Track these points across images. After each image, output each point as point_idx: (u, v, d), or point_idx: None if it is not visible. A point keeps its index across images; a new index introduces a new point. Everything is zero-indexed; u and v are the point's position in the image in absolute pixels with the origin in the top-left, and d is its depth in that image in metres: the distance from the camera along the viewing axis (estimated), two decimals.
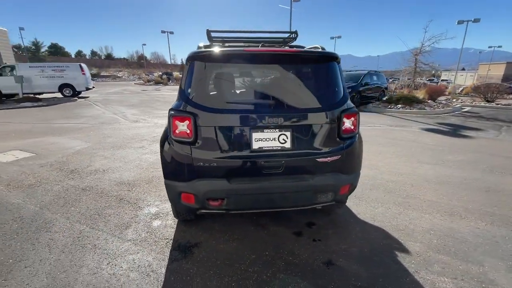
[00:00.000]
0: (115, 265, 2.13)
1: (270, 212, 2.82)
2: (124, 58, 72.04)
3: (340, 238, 2.46)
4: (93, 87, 17.59)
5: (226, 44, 2.82)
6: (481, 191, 3.43)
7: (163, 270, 2.07)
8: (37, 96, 14.55)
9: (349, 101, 2.20)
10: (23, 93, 13.86)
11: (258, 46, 2.78)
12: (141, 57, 63.13)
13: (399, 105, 10.88)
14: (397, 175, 4.00)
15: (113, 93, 19.24)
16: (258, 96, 2.10)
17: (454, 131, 7.18)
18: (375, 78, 13.77)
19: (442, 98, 14.29)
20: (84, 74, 15.64)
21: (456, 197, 3.28)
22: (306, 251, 2.28)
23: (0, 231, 2.58)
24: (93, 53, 70.28)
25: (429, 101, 11.66)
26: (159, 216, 2.85)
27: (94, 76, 41.09)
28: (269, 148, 2.00)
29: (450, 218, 2.80)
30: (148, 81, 34.91)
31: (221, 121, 1.95)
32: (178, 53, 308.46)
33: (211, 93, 2.04)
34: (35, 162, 4.59)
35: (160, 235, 2.52)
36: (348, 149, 2.17)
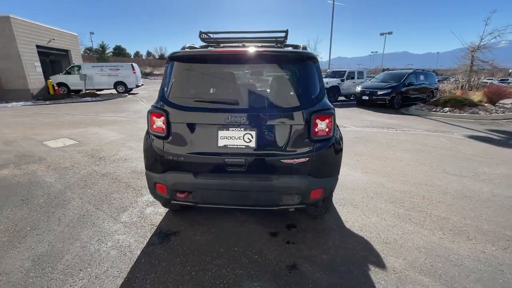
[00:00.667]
0: (102, 242, 2.42)
1: (252, 210, 2.85)
2: None
3: (315, 244, 2.37)
4: (142, 85, 19.43)
5: (221, 45, 2.92)
6: (509, 211, 2.93)
7: (138, 252, 2.28)
8: (96, 92, 16.71)
9: (324, 102, 2.11)
10: (86, 89, 16.06)
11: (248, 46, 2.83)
12: None
13: (447, 108, 9.66)
14: (410, 184, 3.63)
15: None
16: (226, 95, 2.15)
17: (507, 140, 6.13)
18: (422, 77, 12.45)
19: (507, 101, 12.23)
20: (135, 72, 17.38)
21: (472, 214, 2.86)
22: (274, 252, 2.27)
23: (30, 204, 3.12)
24: (149, 53, 77.53)
25: (486, 104, 10.08)
26: (154, 204, 3.10)
27: (147, 74, 45.33)
28: (234, 146, 2.05)
29: (454, 237, 2.47)
30: None
31: (189, 118, 2.07)
32: None
33: (183, 92, 2.16)
34: (76, 148, 5.35)
35: (149, 221, 2.76)
36: (319, 152, 2.09)
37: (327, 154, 2.15)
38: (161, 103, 2.15)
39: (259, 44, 2.88)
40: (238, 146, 2.05)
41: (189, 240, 2.45)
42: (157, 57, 74.27)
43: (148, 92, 19.36)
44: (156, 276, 2.01)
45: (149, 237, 2.50)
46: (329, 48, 21.49)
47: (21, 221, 2.76)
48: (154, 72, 51.07)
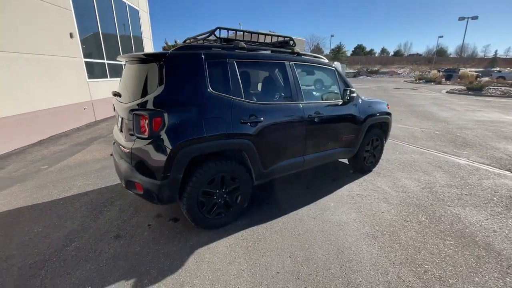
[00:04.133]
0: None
1: None
2: (417, 54, 68.05)
3: (156, 238, 2.43)
4: None
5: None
6: None
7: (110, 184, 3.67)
8: None
9: (155, 101, 2.10)
10: None
11: None
12: (440, 52, 56.13)
13: None
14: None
15: (363, 89, 20.52)
16: (118, 89, 2.74)
17: None
18: None
19: None
20: None
21: None
22: (131, 223, 2.68)
23: None
24: (383, 50, 74.11)
25: None
26: None
27: (372, 73, 44.48)
28: (119, 128, 2.70)
29: None
30: (420, 78, 31.37)
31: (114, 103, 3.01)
32: (494, 44, 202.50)
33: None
34: None
35: None
36: (136, 148, 2.20)
37: (141, 153, 2.18)
38: None
39: None
40: (119, 128, 2.68)
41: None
42: (391, 53, 69.45)
43: None
44: (91, 197, 3.30)
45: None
46: None
47: None
48: (381, 70, 48.62)
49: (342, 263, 2.13)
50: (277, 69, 2.94)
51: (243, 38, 3.25)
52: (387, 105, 4.24)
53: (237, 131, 2.42)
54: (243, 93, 2.52)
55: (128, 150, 2.30)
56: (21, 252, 2.25)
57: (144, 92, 2.22)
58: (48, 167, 4.29)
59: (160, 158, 2.14)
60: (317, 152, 3.22)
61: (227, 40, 3.10)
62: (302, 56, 3.18)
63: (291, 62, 2.94)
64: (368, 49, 70.50)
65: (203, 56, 2.33)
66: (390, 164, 4.40)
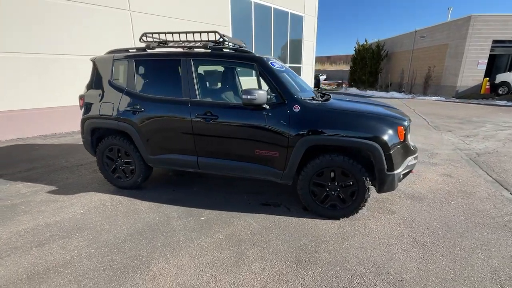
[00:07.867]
0: None
1: None
2: None
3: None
4: None
5: None
6: None
7: None
8: None
9: (87, 88, 3.25)
10: None
11: None
12: None
13: None
14: None
15: None
16: None
17: None
18: None
19: None
20: None
21: None
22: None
23: None
24: None
25: None
26: None
27: None
28: None
29: None
30: None
31: None
32: None
33: None
34: None
35: None
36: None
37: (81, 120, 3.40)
38: None
39: None
40: None
41: None
42: None
43: None
44: None
45: None
46: None
47: None
48: None
49: (92, 245, 2.21)
50: (170, 66, 2.95)
51: (187, 38, 3.28)
52: (399, 125, 2.42)
53: (122, 116, 3.00)
54: (136, 86, 3.00)
55: None
56: (52, 164, 4.29)
57: (89, 81, 3.41)
58: None
59: (80, 123, 3.30)
60: (216, 158, 2.85)
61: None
62: (212, 51, 2.86)
63: (188, 58, 2.82)
64: None
65: (112, 58, 3.10)
66: (396, 227, 2.50)
